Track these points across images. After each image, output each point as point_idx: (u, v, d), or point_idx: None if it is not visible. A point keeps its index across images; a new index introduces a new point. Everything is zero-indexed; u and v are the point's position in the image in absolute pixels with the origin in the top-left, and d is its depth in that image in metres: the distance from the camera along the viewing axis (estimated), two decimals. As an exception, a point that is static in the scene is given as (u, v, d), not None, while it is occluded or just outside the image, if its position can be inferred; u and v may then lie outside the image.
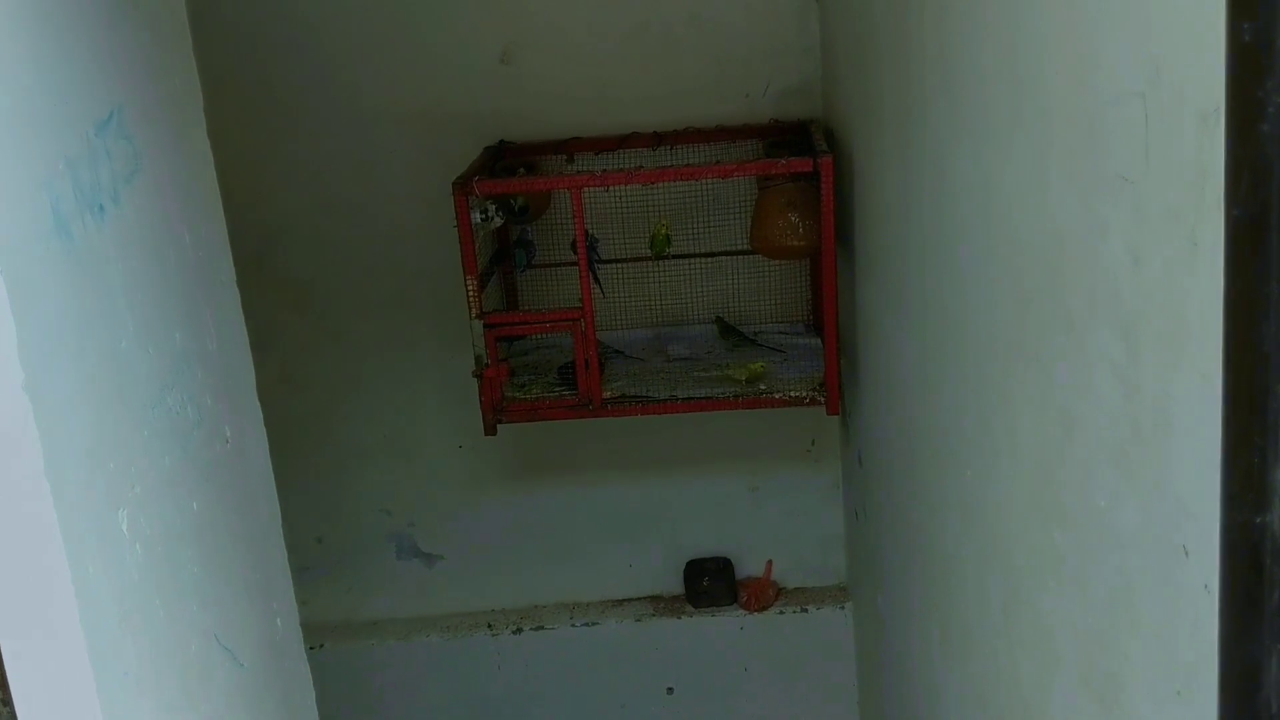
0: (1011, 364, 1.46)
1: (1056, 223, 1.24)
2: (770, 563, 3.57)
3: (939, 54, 1.70)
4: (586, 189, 2.68)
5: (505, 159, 3.11)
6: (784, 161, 2.64)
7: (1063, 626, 1.35)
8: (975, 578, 1.78)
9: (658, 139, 3.13)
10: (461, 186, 2.68)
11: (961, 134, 1.61)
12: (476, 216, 2.73)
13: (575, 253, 2.73)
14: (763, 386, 2.90)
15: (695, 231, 3.18)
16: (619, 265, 3.19)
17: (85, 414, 1.28)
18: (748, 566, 3.59)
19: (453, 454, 3.51)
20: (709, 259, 3.22)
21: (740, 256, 3.18)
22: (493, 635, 3.58)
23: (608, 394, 2.88)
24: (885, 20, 2.13)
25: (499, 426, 2.91)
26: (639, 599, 3.63)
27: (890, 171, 2.21)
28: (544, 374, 3.12)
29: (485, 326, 2.77)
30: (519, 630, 3.58)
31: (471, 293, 2.73)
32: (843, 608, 3.51)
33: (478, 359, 2.80)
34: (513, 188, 2.70)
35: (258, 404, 2.01)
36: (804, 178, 2.73)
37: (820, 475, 3.49)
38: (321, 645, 3.51)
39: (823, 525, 3.53)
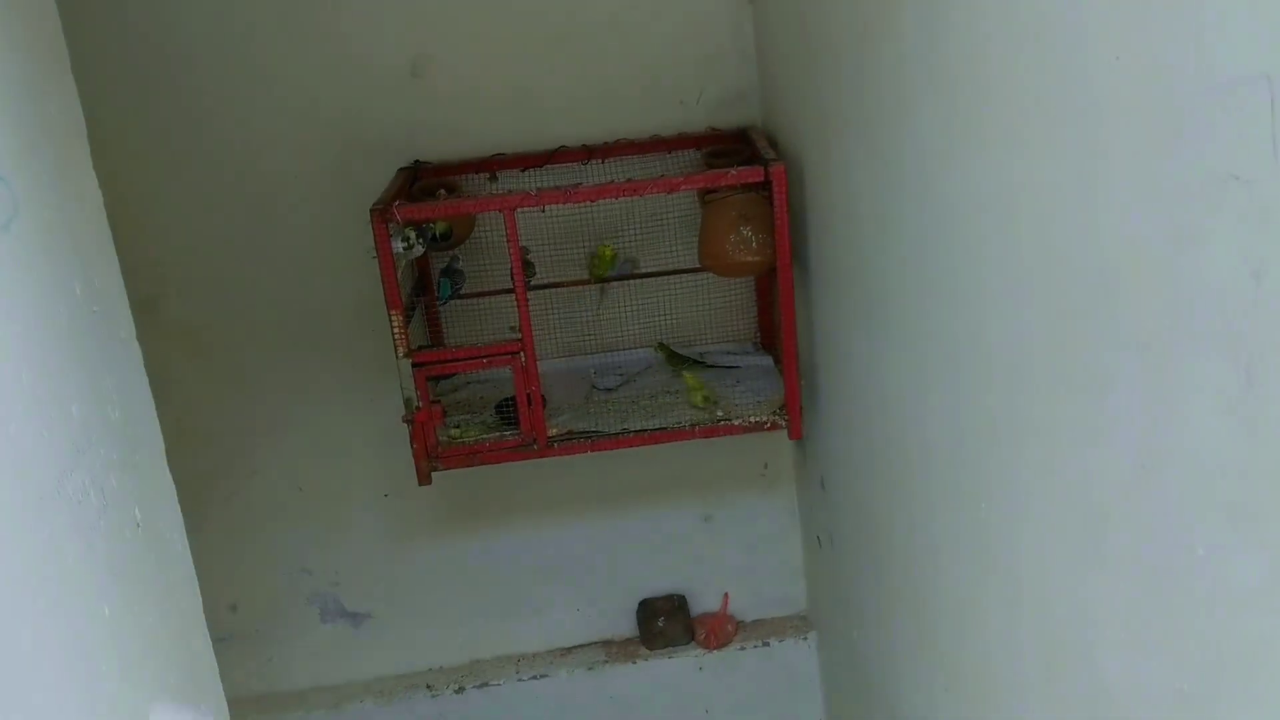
0: (1049, 391, 1.31)
1: (1117, 232, 1.10)
2: (727, 596, 3.41)
3: (928, 46, 1.56)
4: (520, 209, 2.48)
5: (422, 180, 2.89)
6: (733, 171, 2.48)
7: (1136, 690, 1.21)
8: (997, 624, 1.63)
9: (588, 153, 2.95)
10: (381, 212, 2.46)
11: (963, 135, 1.47)
12: (399, 245, 2.51)
13: (512, 279, 2.53)
14: (720, 413, 2.74)
15: (631, 250, 3.01)
16: (551, 290, 3.00)
17: (-32, 522, 1.05)
18: (703, 602, 3.43)
19: (377, 503, 3.26)
20: (646, 279, 3.04)
21: (678, 275, 3.01)
22: (433, 696, 3.35)
23: (553, 431, 2.69)
24: (847, 15, 1.99)
25: (434, 474, 2.69)
26: (590, 645, 3.43)
27: (856, 178, 2.07)
28: (477, 412, 2.91)
29: (414, 366, 2.55)
30: (461, 689, 3.35)
31: (397, 330, 2.51)
32: (805, 639, 3.36)
33: (407, 402, 2.58)
34: (439, 212, 2.49)
35: (169, 476, 1.77)
36: (753, 188, 2.58)
37: (776, 501, 3.34)
38: (242, 723, 3.23)
39: (780, 553, 3.38)
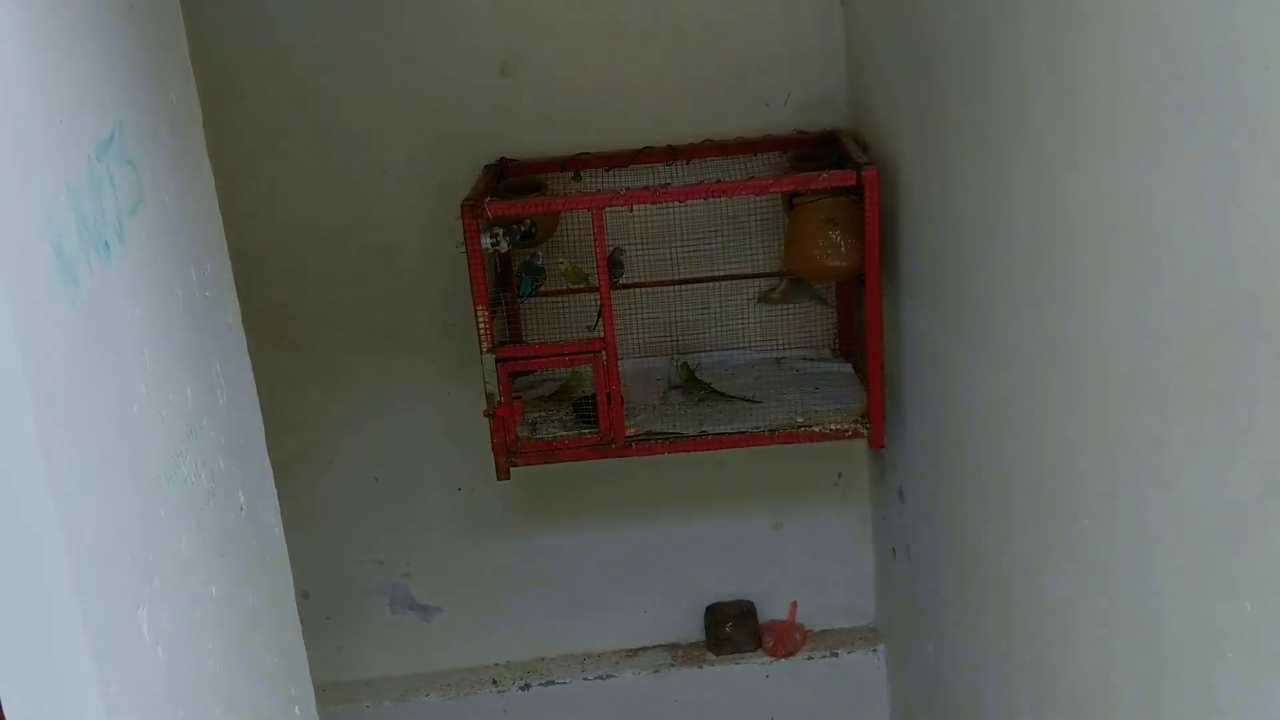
0: (1177, 405, 1.29)
1: (1265, 247, 1.07)
2: (795, 604, 3.39)
3: (1051, 48, 1.54)
4: (608, 209, 2.49)
5: (508, 178, 2.91)
6: (825, 175, 2.47)
7: (1255, 712, 1.18)
8: (1099, 641, 1.61)
9: (673, 153, 2.95)
10: (471, 208, 2.48)
11: (1088, 141, 1.45)
12: (486, 241, 2.53)
13: (598, 278, 2.54)
14: (800, 419, 2.72)
15: (713, 251, 3.01)
16: (631, 291, 3.00)
17: (98, 498, 1.07)
18: (771, 609, 3.41)
19: (451, 497, 3.29)
20: (724, 282, 3.03)
21: (759, 279, 2.99)
22: (498, 692, 3.36)
23: (631, 431, 2.69)
24: (956, 16, 1.97)
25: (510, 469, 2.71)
26: (656, 648, 3.43)
27: (960, 184, 2.05)
28: (553, 409, 2.92)
29: (497, 361, 2.57)
30: (527, 686, 3.36)
31: (483, 324, 2.53)
32: (874, 651, 3.33)
33: (489, 397, 2.60)
34: (528, 209, 2.50)
35: (268, 461, 1.81)
36: (842, 192, 2.56)
37: (848, 511, 3.31)
38: (311, 710, 3.27)
39: (851, 563, 3.35)
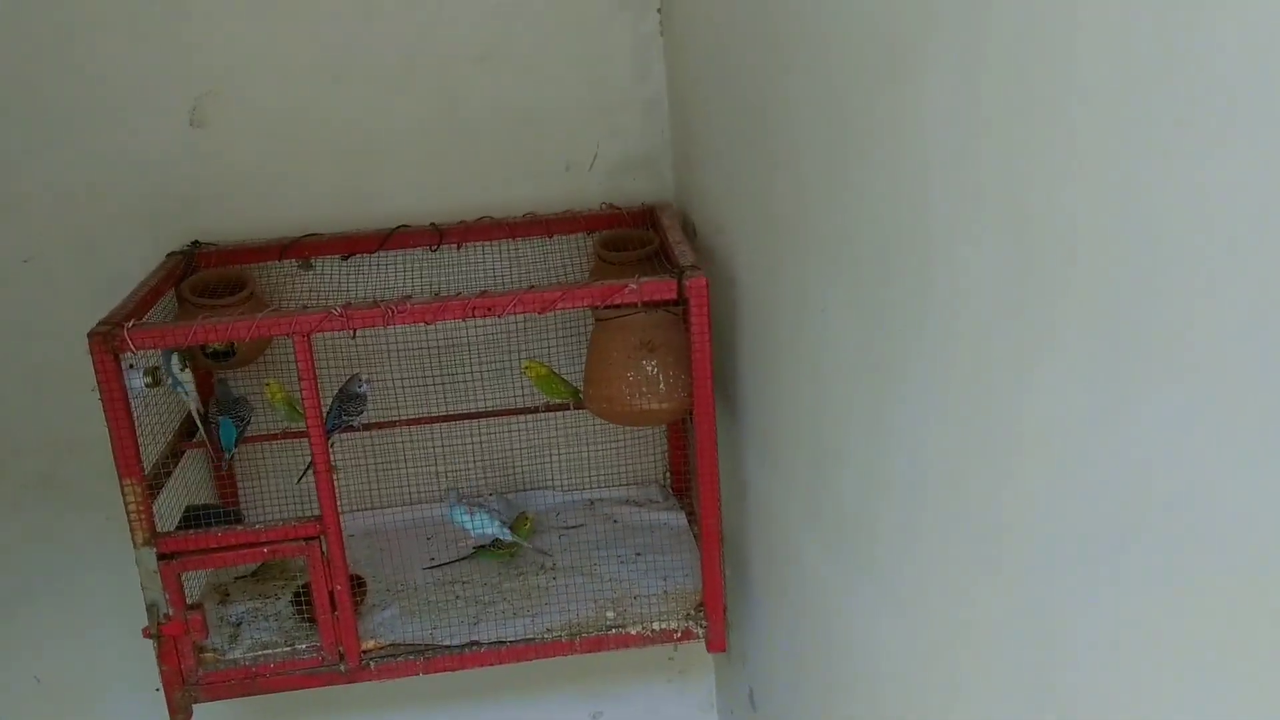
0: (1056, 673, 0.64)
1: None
2: (623, 818, 2.70)
3: (968, 95, 0.89)
4: (319, 334, 1.76)
5: (198, 269, 2.16)
6: (633, 286, 1.78)
7: None
8: None
9: (439, 234, 2.25)
10: (103, 338, 1.72)
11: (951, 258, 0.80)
12: (136, 381, 1.78)
13: (308, 431, 1.80)
14: (611, 615, 2.03)
15: (498, 371, 2.31)
16: (389, 431, 2.28)
17: None
18: (593, 827, 2.71)
19: (147, 701, 2.48)
20: (522, 417, 2.34)
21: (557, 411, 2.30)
22: None
23: (369, 644, 1.96)
24: (807, 53, 1.32)
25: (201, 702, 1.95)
26: None
27: (811, 291, 1.40)
28: (269, 596, 2.16)
29: (160, 558, 1.81)
30: None
31: (133, 507, 1.77)
32: None
33: (151, 609, 1.83)
34: (194, 336, 1.74)
35: None
36: (662, 303, 1.89)
37: (686, 693, 2.66)
38: None
39: (695, 762, 2.68)
